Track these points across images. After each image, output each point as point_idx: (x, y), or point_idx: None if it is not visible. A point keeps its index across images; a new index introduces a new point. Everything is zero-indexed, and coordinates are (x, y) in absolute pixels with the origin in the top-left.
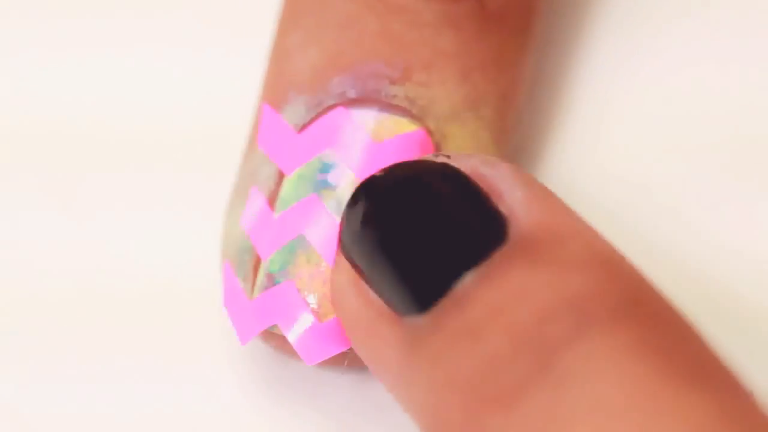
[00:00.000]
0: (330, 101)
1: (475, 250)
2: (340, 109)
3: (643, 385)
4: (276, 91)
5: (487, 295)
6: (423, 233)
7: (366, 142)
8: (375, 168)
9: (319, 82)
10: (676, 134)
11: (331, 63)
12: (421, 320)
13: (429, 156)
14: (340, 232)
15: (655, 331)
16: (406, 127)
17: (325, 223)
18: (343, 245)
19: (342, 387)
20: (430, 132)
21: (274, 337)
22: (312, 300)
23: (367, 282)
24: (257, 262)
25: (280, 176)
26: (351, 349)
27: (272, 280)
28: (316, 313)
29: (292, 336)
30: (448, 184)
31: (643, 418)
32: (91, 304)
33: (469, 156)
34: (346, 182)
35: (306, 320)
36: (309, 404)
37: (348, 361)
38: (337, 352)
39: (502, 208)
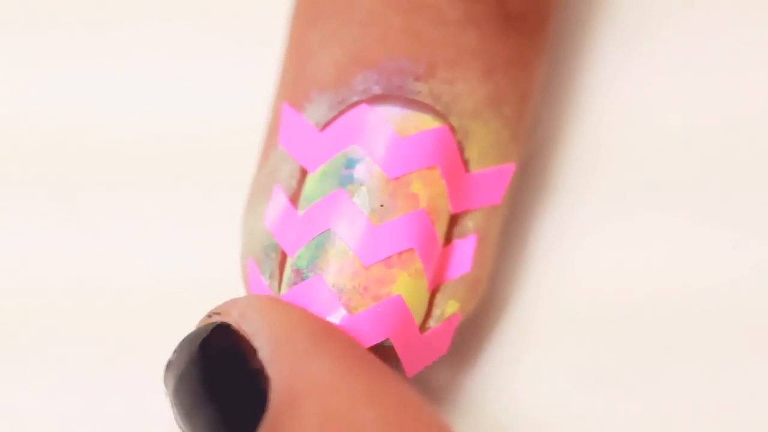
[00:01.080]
0: (354, 98)
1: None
2: (364, 106)
3: None
4: (296, 90)
5: None
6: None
7: (391, 137)
8: (400, 162)
9: (342, 80)
10: (689, 133)
11: (355, 60)
12: None
13: (204, 318)
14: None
15: None
16: (430, 123)
17: (352, 217)
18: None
19: None
20: (453, 129)
21: None
22: (342, 293)
23: None
24: (282, 260)
25: (303, 174)
26: (383, 342)
27: (301, 276)
28: (347, 306)
29: None
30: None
31: None
32: (95, 311)
33: (233, 305)
34: (372, 177)
35: (338, 313)
36: None
37: (379, 356)
38: (369, 345)
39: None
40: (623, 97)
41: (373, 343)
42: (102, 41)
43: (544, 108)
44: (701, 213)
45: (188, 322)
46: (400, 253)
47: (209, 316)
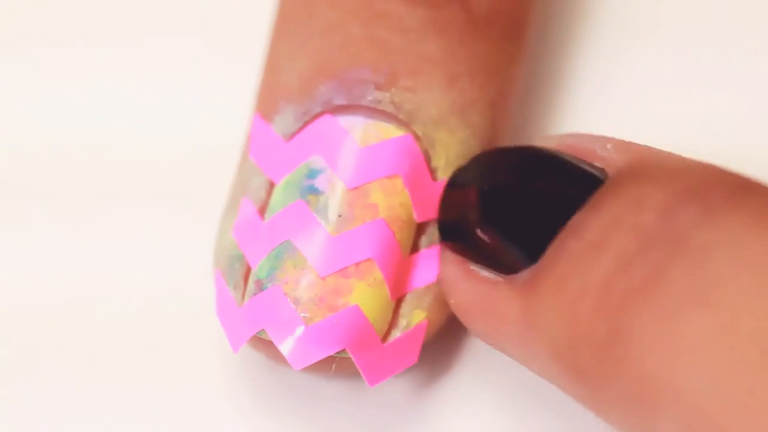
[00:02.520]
0: (317, 109)
1: (580, 195)
2: (326, 117)
3: None
4: (267, 101)
5: (601, 214)
6: (526, 201)
7: (353, 147)
8: (360, 172)
9: (306, 91)
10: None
11: (318, 71)
12: (538, 263)
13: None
14: (440, 222)
15: None
16: (392, 132)
17: (310, 228)
18: (445, 231)
19: (330, 396)
20: (417, 138)
21: (263, 344)
22: (299, 304)
23: (474, 260)
24: (248, 271)
25: (271, 186)
26: (338, 354)
27: (260, 286)
28: (304, 318)
29: (278, 340)
30: (538, 163)
31: None
32: (82, 322)
33: (554, 135)
34: (332, 187)
35: (292, 324)
36: (298, 414)
37: (335, 366)
38: (324, 356)
39: (598, 162)
40: (607, 108)
41: (330, 353)
42: (87, 57)
43: (524, 116)
44: None
45: (175, 331)
46: (357, 264)
47: None
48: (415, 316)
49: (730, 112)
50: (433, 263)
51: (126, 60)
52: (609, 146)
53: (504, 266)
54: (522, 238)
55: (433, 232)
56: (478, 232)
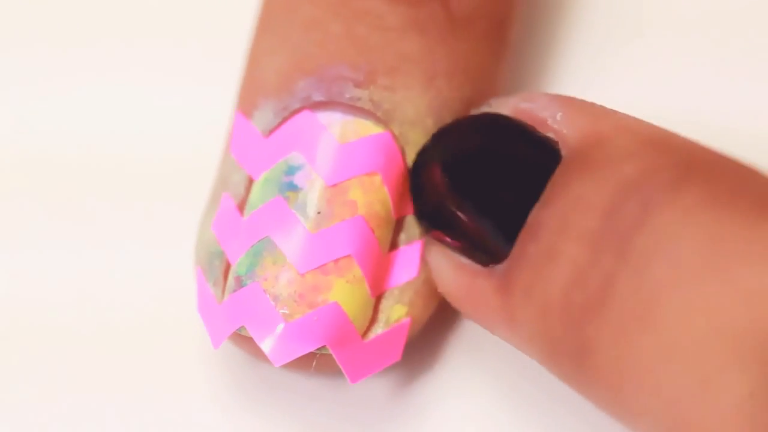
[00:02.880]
0: (296, 105)
1: (537, 180)
2: (305, 113)
3: (718, 233)
4: (246, 97)
5: (552, 216)
6: (488, 184)
7: (331, 144)
8: (339, 169)
9: (285, 87)
10: None
11: (297, 67)
12: (507, 263)
13: (472, 110)
14: (416, 211)
15: (715, 182)
16: (371, 129)
17: (289, 225)
18: (423, 219)
19: (312, 392)
20: (395, 136)
21: (244, 341)
22: (278, 301)
23: (454, 248)
24: (227, 267)
25: (250, 182)
26: (318, 350)
27: (240, 283)
28: (283, 315)
29: (259, 337)
30: (496, 130)
31: (726, 265)
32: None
33: (508, 98)
34: (311, 183)
35: (272, 321)
36: (280, 410)
37: (316, 363)
38: (304, 353)
39: (549, 134)
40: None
41: (309, 350)
42: (76, 62)
43: None
44: None
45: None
46: (336, 260)
47: None
48: (394, 312)
49: (716, 116)
50: (412, 260)
51: (115, 64)
52: (559, 116)
53: (484, 252)
54: (496, 212)
55: (411, 229)
56: (452, 208)
